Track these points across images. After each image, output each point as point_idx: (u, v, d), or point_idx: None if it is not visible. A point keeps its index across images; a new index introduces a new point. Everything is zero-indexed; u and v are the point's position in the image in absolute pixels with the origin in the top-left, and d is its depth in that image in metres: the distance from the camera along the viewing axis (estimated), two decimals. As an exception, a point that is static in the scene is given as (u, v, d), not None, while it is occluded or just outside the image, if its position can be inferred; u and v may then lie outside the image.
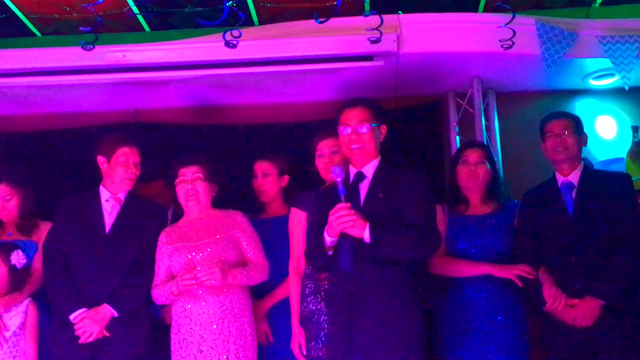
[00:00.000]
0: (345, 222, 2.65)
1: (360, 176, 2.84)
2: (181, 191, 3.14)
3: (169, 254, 3.09)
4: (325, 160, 3.18)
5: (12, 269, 3.15)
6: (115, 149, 3.21)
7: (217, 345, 2.95)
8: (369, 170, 2.84)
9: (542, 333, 3.14)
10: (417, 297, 2.76)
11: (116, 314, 3.03)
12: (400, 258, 2.70)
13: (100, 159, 3.25)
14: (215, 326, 2.97)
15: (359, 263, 2.70)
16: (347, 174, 2.87)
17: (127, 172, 3.21)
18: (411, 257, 2.73)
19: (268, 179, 3.45)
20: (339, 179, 2.69)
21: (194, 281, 2.92)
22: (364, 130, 2.82)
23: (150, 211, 3.29)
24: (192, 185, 3.13)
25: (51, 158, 4.18)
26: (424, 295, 3.02)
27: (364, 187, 2.82)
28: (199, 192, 3.13)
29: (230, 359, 2.95)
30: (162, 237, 3.15)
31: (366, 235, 2.65)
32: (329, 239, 2.74)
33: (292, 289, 3.14)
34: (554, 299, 2.98)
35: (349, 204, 2.67)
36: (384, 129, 2.90)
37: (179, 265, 3.05)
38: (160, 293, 3.06)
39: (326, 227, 2.72)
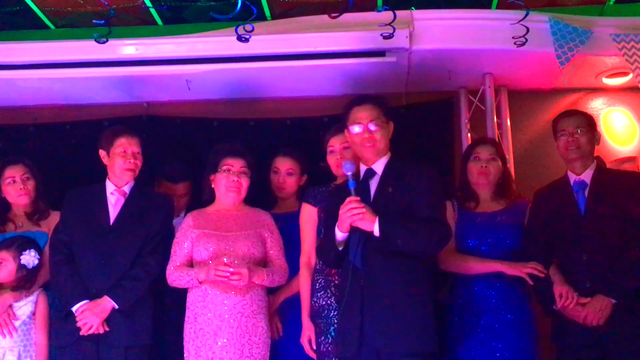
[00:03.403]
0: (355, 215, 2.67)
1: (370, 172, 2.87)
2: (224, 180, 3.15)
3: (195, 238, 3.11)
4: (337, 156, 3.20)
5: (21, 267, 3.18)
6: (113, 140, 3.24)
7: (233, 339, 2.97)
8: (379, 166, 2.87)
9: (552, 331, 3.14)
10: (428, 291, 2.77)
11: (117, 306, 3.05)
12: (410, 251, 2.70)
13: (102, 153, 3.29)
14: (232, 320, 2.99)
15: (369, 257, 2.72)
16: (358, 169, 2.89)
17: (125, 163, 3.22)
18: (421, 251, 2.74)
19: (291, 178, 3.47)
20: (349, 173, 2.73)
21: (227, 274, 2.93)
22: (376, 128, 2.85)
23: (155, 203, 3.31)
24: (238, 178, 3.15)
25: (63, 150, 4.20)
26: (434, 290, 3.03)
27: (374, 183, 2.85)
28: (242, 187, 3.17)
29: (245, 354, 2.97)
30: (189, 220, 3.17)
31: (376, 229, 2.67)
32: (339, 234, 2.76)
33: (302, 284, 3.15)
34: (565, 297, 2.97)
35: (358, 198, 2.69)
36: (391, 125, 2.93)
37: (206, 253, 3.06)
38: (180, 276, 3.06)
39: (337, 222, 2.75)
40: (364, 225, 2.69)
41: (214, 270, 2.94)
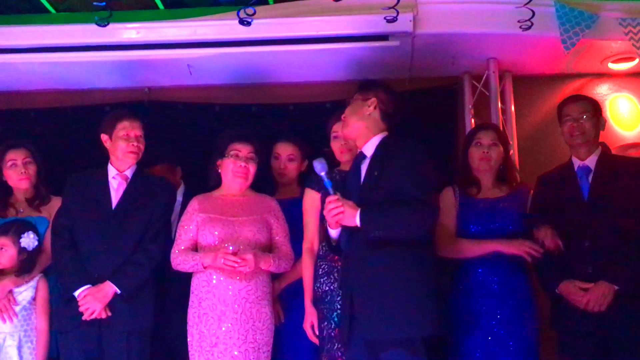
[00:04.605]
0: (335, 215, 2.68)
1: (361, 156, 2.85)
2: (231, 165, 3.14)
3: (201, 222, 3.10)
4: (341, 142, 3.20)
5: (22, 251, 3.18)
6: (115, 124, 3.22)
7: (237, 324, 2.98)
8: (370, 148, 2.84)
9: (551, 317, 3.13)
10: (419, 276, 2.69)
11: (119, 291, 3.05)
12: (394, 238, 2.67)
13: (104, 137, 3.27)
14: (237, 306, 2.99)
15: (358, 246, 2.73)
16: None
17: (128, 146, 3.20)
18: (405, 236, 2.68)
19: (292, 163, 3.46)
20: (322, 173, 2.72)
21: (235, 265, 2.93)
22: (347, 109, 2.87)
23: (157, 188, 3.29)
24: (245, 163, 3.13)
25: (64, 135, 4.18)
26: (429, 275, 3.02)
27: (364, 167, 2.83)
28: (250, 173, 3.15)
29: (249, 340, 2.98)
30: (195, 204, 3.16)
31: (358, 222, 2.66)
32: (332, 231, 2.78)
33: (305, 269, 3.14)
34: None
35: (336, 196, 2.69)
36: (372, 101, 2.85)
37: (212, 237, 3.06)
38: (185, 260, 3.06)
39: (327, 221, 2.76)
40: (347, 222, 2.69)
41: (223, 260, 2.93)
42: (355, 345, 2.74)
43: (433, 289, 2.70)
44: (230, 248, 2.99)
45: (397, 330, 2.62)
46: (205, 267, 3.02)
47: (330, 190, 2.70)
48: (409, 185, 2.68)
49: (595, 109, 3.17)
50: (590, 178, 3.10)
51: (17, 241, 3.18)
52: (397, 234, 2.67)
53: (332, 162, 3.25)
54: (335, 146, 3.23)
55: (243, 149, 3.15)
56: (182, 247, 3.10)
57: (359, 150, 2.89)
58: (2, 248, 3.18)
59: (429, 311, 2.65)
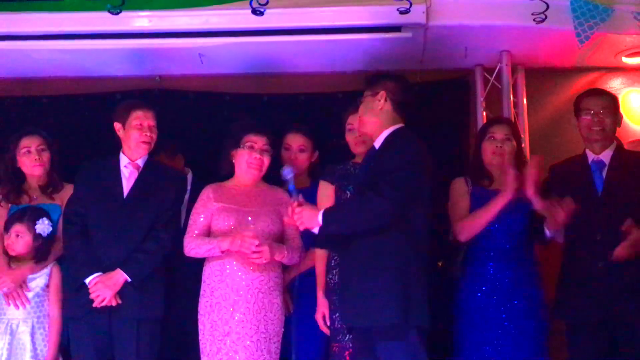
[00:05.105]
0: (296, 220, 2.76)
1: (372, 149, 2.87)
2: (246, 156, 3.14)
3: (216, 211, 3.11)
4: (355, 134, 3.19)
5: (37, 237, 3.19)
6: (129, 113, 3.23)
7: (250, 314, 2.99)
8: (379, 142, 2.85)
9: (556, 304, 3.12)
10: (392, 264, 2.65)
11: (129, 279, 3.06)
12: (350, 231, 2.70)
13: (117, 126, 3.27)
14: (249, 296, 3.01)
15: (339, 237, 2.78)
16: None
17: (141, 136, 3.21)
18: (359, 228, 2.68)
19: (303, 154, 3.46)
20: (289, 177, 2.79)
21: (253, 247, 2.94)
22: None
23: (169, 177, 3.31)
24: (260, 155, 3.14)
25: (75, 123, 4.17)
26: (445, 266, 3.08)
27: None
28: (264, 164, 3.16)
29: (260, 330, 3.00)
30: (209, 192, 3.17)
31: (320, 222, 2.71)
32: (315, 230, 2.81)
33: (318, 261, 3.15)
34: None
35: (297, 202, 2.76)
36: (381, 94, 2.84)
37: (226, 227, 3.07)
38: (201, 245, 3.07)
39: None
40: (309, 225, 2.74)
41: (240, 241, 2.94)
42: (354, 334, 2.80)
43: (399, 279, 2.63)
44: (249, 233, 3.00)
45: (367, 317, 2.65)
46: (222, 252, 3.02)
47: (293, 195, 2.77)
48: (377, 177, 2.69)
49: (615, 104, 3.18)
50: (604, 173, 3.10)
51: (32, 228, 3.19)
52: (352, 226, 2.70)
53: (347, 154, 3.26)
54: (350, 138, 3.23)
55: (259, 141, 3.16)
56: (196, 234, 3.11)
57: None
58: (18, 235, 3.19)
59: (392, 300, 2.61)
